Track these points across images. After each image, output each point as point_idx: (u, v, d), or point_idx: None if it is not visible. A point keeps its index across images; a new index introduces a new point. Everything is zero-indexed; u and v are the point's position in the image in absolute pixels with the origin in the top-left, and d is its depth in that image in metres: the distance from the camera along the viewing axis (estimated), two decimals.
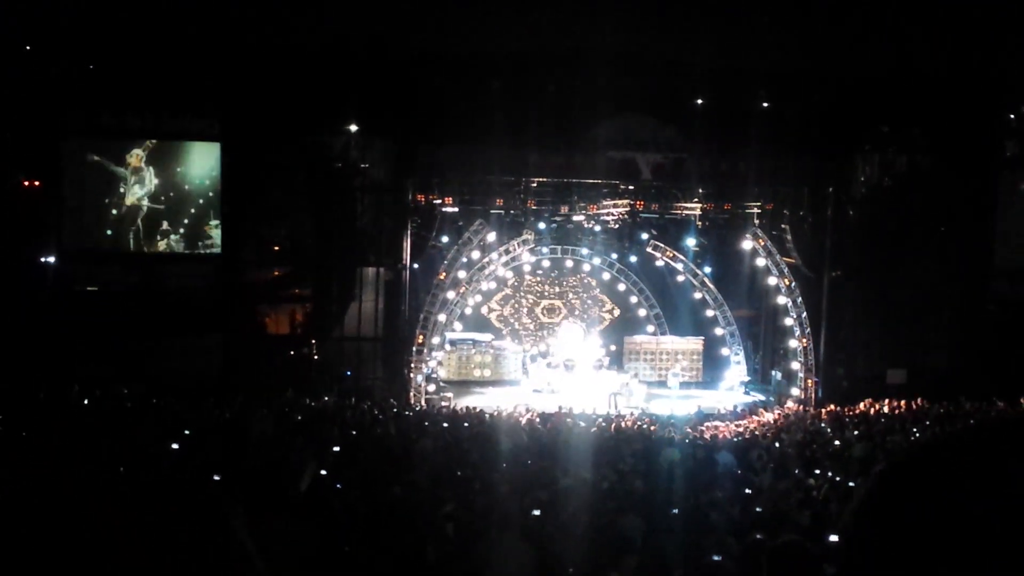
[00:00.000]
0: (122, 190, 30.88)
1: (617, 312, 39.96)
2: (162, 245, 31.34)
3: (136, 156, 30.90)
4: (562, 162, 32.52)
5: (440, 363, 35.02)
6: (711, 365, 37.51)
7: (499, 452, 18.01)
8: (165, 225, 31.24)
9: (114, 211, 30.96)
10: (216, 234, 31.42)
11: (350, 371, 30.85)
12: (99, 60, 30.55)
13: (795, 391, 32.40)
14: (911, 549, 1.12)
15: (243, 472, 13.13)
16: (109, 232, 31.11)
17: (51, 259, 30.64)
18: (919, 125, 32.41)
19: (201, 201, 31.48)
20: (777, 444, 20.15)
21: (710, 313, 37.05)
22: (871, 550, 1.16)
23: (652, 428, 24.10)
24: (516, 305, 39.61)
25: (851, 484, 13.99)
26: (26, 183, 31.16)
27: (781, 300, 32.74)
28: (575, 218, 34.32)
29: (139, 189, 30.95)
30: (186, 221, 31.40)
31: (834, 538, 9.62)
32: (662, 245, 35.68)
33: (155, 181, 31.04)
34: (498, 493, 12.72)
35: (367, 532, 9.25)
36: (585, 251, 37.61)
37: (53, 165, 30.55)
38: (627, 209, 33.59)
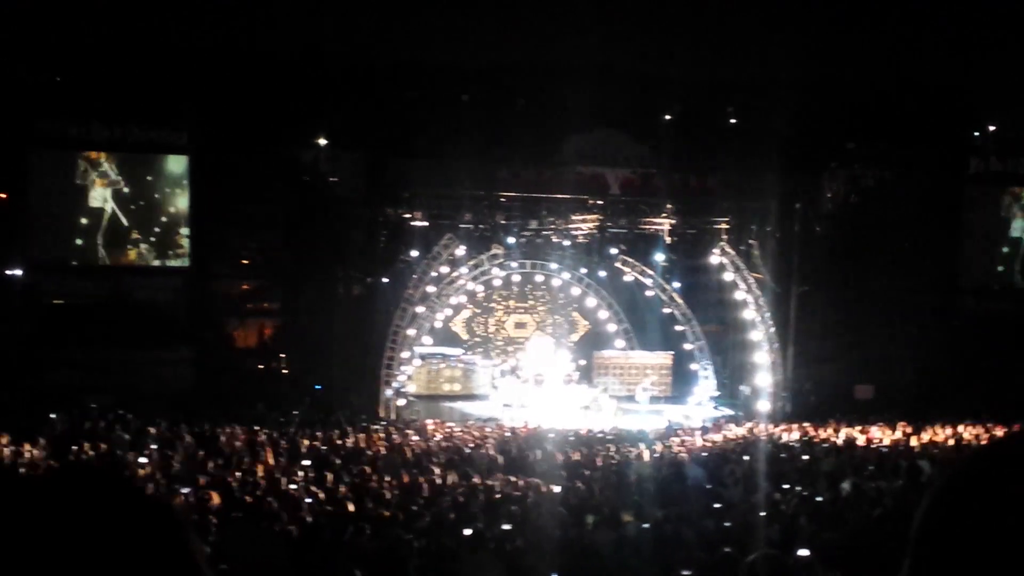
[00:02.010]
0: (82, 184, 30.64)
1: (588, 326, 39.98)
2: (132, 254, 31.16)
3: (93, 155, 30.68)
4: (531, 177, 32.58)
5: (409, 377, 34.91)
6: (680, 380, 37.54)
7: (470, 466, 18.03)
8: (135, 234, 31.07)
9: (82, 219, 30.75)
10: (187, 243, 31.30)
11: (320, 385, 30.75)
12: (66, 70, 30.39)
13: (763, 405, 32.50)
14: (982, 558, 1.08)
15: (216, 485, 13.11)
16: (79, 242, 30.89)
17: (18, 271, 30.38)
18: (885, 141, 32.71)
19: (172, 209, 31.33)
20: (746, 458, 20.22)
21: (679, 328, 37.13)
22: (938, 559, 1.13)
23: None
24: (483, 320, 39.60)
25: (819, 499, 14.07)
26: None
27: (749, 315, 32.88)
28: (544, 233, 34.35)
29: (101, 190, 30.73)
30: (156, 230, 31.24)
31: (804, 552, 9.70)
32: (631, 260, 35.76)
33: (119, 180, 30.81)
34: (470, 507, 12.75)
35: (339, 546, 9.25)
36: (554, 266, 37.61)
37: (19, 176, 30.31)
38: (596, 224, 33.69)
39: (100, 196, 30.81)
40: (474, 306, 39.18)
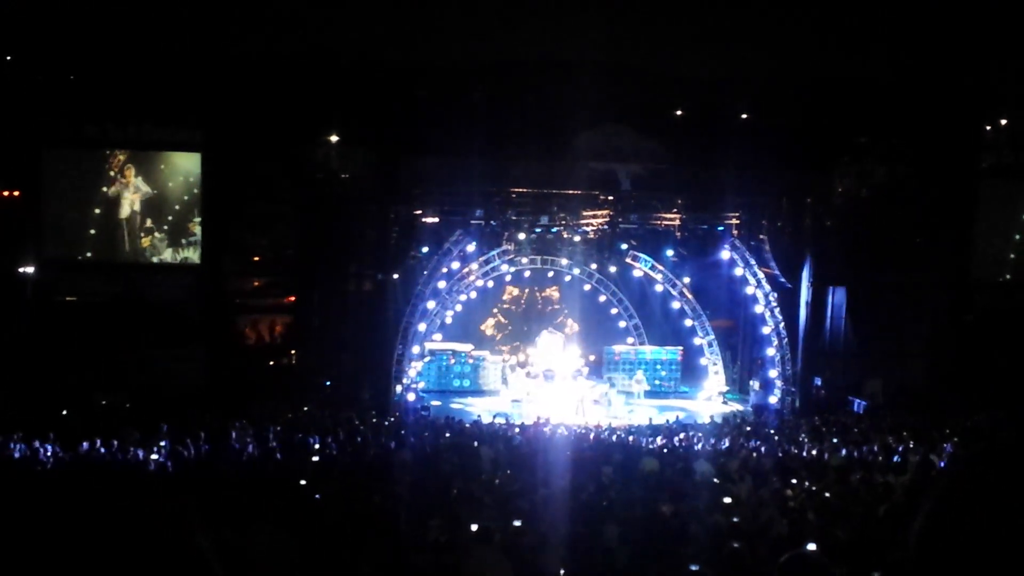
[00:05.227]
0: (108, 192, 30.84)
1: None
2: (146, 242, 31.27)
3: (130, 169, 30.90)
4: (542, 173, 32.58)
5: (420, 373, 34.94)
6: (690, 375, 37.50)
7: (479, 462, 18.08)
8: (149, 223, 31.19)
9: (94, 217, 30.86)
10: (199, 231, 31.38)
11: (330, 381, 30.81)
12: (80, 70, 30.51)
13: (773, 401, 32.48)
14: (983, 558, 1.11)
15: (226, 481, 13.19)
16: (92, 240, 31.00)
17: (30, 269, 30.50)
18: (897, 136, 32.63)
19: (185, 198, 31.41)
20: (754, 454, 20.25)
21: (689, 323, 37.07)
22: (942, 557, 1.15)
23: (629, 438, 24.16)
24: (505, 318, 39.67)
25: (827, 494, 14.10)
26: (5, 193, 31.06)
27: (759, 310, 32.85)
28: (555, 228, 34.33)
29: (131, 196, 30.95)
30: (169, 218, 31.34)
31: (812, 547, 9.74)
32: (641, 255, 35.73)
33: (146, 188, 31.03)
34: (479, 503, 12.80)
35: (348, 540, 9.30)
36: (565, 261, 37.57)
37: (33, 175, 30.45)
38: (606, 219, 33.67)
39: (114, 194, 30.98)
40: (501, 315, 39.37)
